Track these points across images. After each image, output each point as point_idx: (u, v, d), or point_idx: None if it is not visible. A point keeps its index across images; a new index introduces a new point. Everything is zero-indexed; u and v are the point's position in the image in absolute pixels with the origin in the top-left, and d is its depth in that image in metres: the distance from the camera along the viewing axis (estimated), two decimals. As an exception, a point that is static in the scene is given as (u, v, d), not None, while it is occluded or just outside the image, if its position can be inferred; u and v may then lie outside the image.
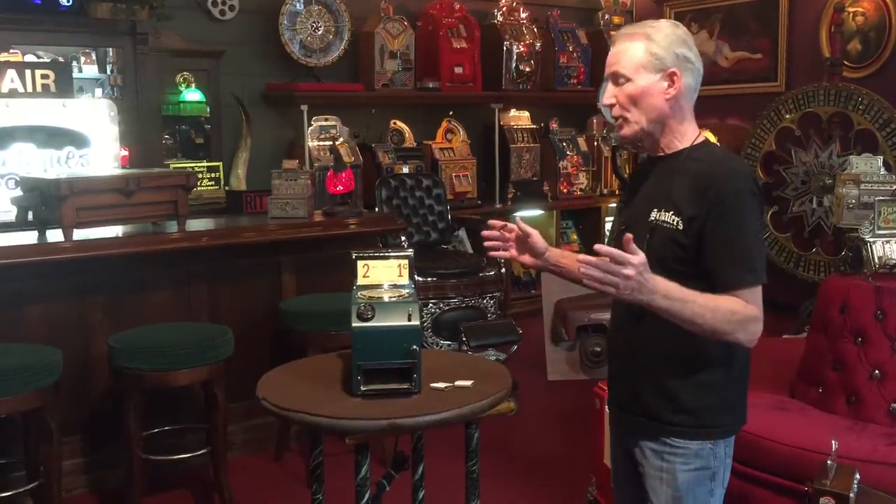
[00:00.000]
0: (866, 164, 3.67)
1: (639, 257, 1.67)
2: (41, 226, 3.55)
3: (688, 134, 1.92)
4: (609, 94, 1.92)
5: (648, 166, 2.00)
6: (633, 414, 1.96)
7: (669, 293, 1.72)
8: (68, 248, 3.39)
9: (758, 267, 1.81)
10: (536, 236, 2.05)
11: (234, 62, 5.50)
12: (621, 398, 2.01)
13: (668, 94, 1.87)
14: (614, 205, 6.36)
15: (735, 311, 1.76)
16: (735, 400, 1.95)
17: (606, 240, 2.13)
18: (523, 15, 6.59)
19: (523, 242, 2.07)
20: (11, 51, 4.93)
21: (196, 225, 3.89)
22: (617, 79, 1.89)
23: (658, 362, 1.90)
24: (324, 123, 5.68)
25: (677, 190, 1.85)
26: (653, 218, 1.88)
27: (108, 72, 5.26)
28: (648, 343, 1.90)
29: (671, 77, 1.86)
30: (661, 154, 1.94)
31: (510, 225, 2.08)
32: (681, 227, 1.82)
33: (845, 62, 5.67)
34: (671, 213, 1.85)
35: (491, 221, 2.13)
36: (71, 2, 4.56)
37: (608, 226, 6.28)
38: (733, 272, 1.79)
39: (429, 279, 5.04)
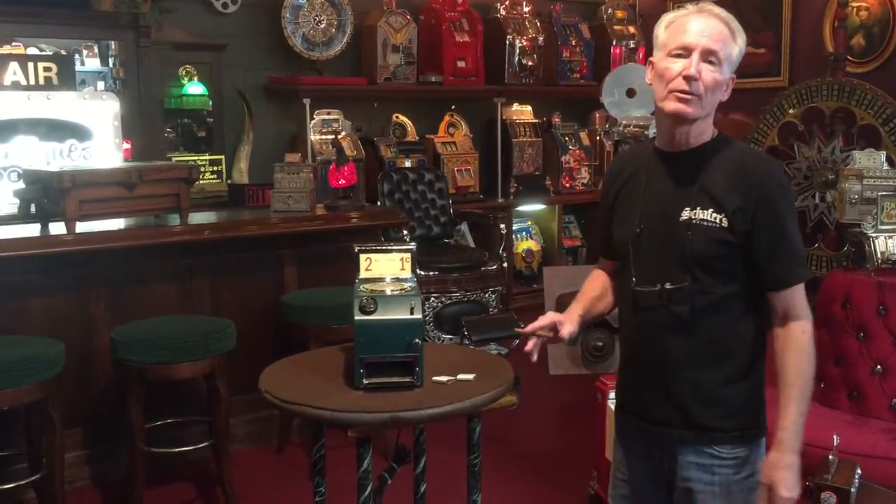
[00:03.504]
0: (869, 160, 3.66)
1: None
2: (44, 218, 3.55)
3: (709, 130, 1.87)
4: (696, 67, 1.77)
5: (654, 162, 1.89)
6: (673, 427, 1.86)
7: (797, 440, 1.78)
8: (71, 241, 3.39)
9: (804, 262, 1.84)
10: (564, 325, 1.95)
11: (236, 55, 5.49)
12: (653, 411, 1.89)
13: (726, 96, 1.84)
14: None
15: (803, 362, 1.79)
16: (764, 395, 1.91)
17: (600, 240, 2.06)
18: (526, 9, 6.57)
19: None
20: (13, 43, 4.92)
21: (198, 218, 3.89)
22: (709, 56, 1.78)
23: (706, 370, 1.82)
24: (326, 117, 5.67)
25: (714, 186, 1.79)
26: (686, 217, 1.80)
27: (111, 65, 5.25)
28: (695, 351, 1.82)
29: (732, 80, 1.84)
30: (678, 149, 1.86)
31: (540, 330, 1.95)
32: (725, 224, 1.77)
33: (849, 57, 5.67)
34: (711, 210, 1.78)
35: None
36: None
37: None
38: (788, 269, 1.79)
39: (431, 273, 5.04)
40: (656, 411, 1.88)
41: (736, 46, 1.82)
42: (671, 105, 1.79)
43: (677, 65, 1.78)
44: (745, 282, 1.80)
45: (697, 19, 1.80)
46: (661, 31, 1.85)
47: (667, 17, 1.86)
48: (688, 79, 1.76)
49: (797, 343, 1.80)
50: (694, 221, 1.79)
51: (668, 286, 1.80)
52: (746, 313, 1.83)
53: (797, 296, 1.80)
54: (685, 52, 1.78)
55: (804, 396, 1.80)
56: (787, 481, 1.76)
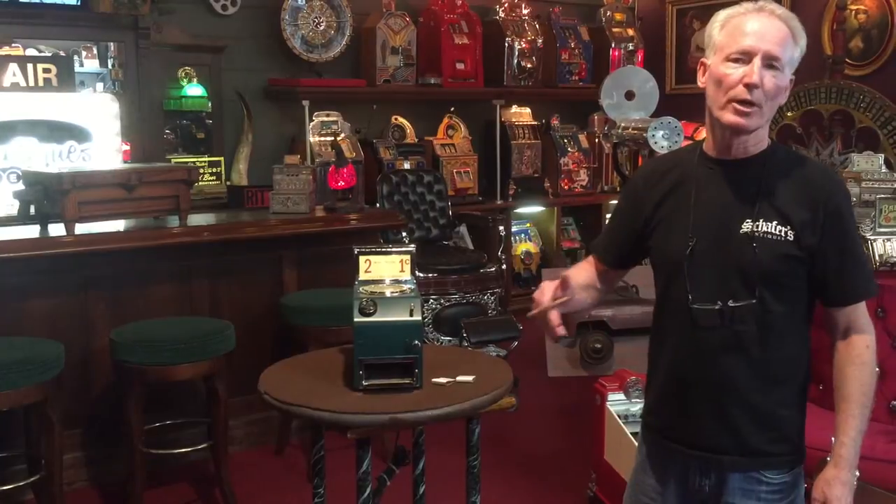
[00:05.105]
0: (867, 162, 3.68)
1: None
2: (43, 220, 3.55)
3: (766, 136, 1.76)
4: (758, 74, 1.64)
5: (704, 171, 1.77)
6: (725, 451, 1.75)
7: (856, 457, 1.74)
8: (70, 243, 3.39)
9: (872, 274, 1.79)
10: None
11: (235, 57, 5.50)
12: (701, 434, 1.77)
13: (784, 98, 1.71)
14: (615, 202, 6.30)
15: (865, 375, 1.75)
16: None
17: (605, 240, 1.96)
18: (525, 11, 6.58)
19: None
20: (13, 45, 4.93)
21: (197, 220, 3.89)
22: (771, 61, 1.65)
23: (764, 392, 1.74)
24: (325, 119, 5.68)
25: (777, 197, 1.69)
26: (747, 229, 1.69)
27: (110, 66, 5.27)
28: (755, 372, 1.72)
29: (791, 82, 1.71)
30: (734, 157, 1.74)
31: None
32: (791, 237, 1.67)
33: (847, 60, 5.68)
34: (775, 222, 1.68)
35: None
36: (73, -4, 4.56)
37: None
38: (857, 284, 1.74)
39: (429, 275, 5.04)
40: (706, 434, 1.76)
41: (797, 48, 1.69)
42: (730, 117, 1.67)
43: (737, 71, 1.65)
44: (803, 300, 1.74)
45: (756, 20, 1.67)
46: (715, 31, 1.72)
47: (721, 16, 1.72)
48: (749, 87, 1.64)
49: (860, 357, 1.75)
50: (757, 234, 1.68)
51: (731, 304, 1.69)
52: (802, 334, 1.77)
53: (861, 310, 1.75)
54: (745, 56, 1.65)
55: (864, 413, 1.74)
56: (843, 499, 1.72)
